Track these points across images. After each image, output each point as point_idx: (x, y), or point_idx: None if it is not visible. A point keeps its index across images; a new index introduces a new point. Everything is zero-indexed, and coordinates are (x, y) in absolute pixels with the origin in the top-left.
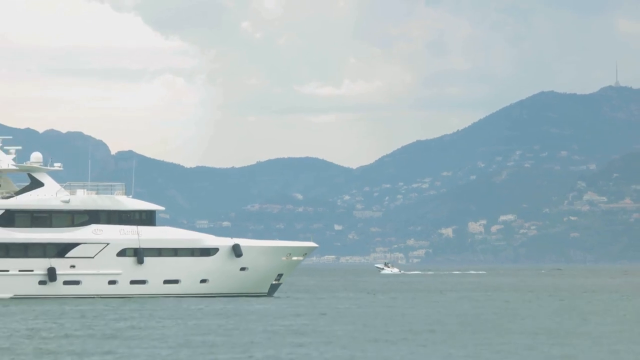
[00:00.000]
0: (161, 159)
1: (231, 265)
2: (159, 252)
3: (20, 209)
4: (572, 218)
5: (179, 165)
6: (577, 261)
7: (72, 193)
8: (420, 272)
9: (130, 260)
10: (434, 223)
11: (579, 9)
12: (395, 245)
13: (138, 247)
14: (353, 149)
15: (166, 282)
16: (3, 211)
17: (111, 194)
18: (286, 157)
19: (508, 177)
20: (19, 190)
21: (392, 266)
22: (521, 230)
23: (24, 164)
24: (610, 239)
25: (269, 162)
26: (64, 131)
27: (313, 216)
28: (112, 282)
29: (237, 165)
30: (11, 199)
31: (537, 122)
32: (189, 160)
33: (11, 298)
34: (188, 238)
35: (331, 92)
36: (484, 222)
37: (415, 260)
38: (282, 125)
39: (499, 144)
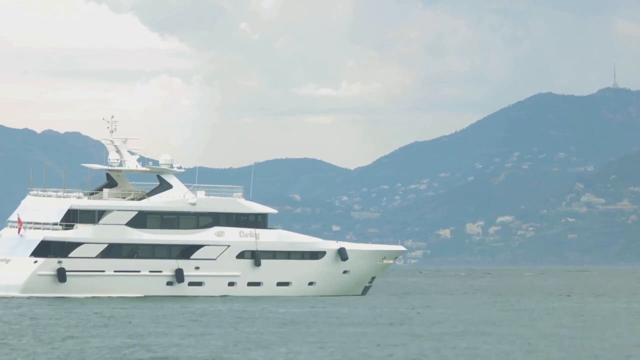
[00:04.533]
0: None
1: (336, 268)
2: (274, 254)
3: (152, 210)
4: (570, 219)
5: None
6: (575, 262)
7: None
8: None
9: (248, 263)
10: (431, 224)
11: (576, 11)
12: None
13: (256, 249)
14: (351, 150)
15: (279, 284)
16: (136, 212)
17: (229, 196)
18: (284, 158)
19: (506, 179)
20: (149, 192)
21: None
22: (519, 232)
23: (151, 165)
24: (608, 241)
25: (267, 163)
26: (61, 132)
27: (311, 217)
28: (231, 284)
29: (235, 166)
30: (143, 200)
31: (535, 124)
32: (186, 161)
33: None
34: (299, 241)
35: (329, 94)
36: (481, 223)
37: (412, 261)
38: (280, 126)
39: (496, 146)
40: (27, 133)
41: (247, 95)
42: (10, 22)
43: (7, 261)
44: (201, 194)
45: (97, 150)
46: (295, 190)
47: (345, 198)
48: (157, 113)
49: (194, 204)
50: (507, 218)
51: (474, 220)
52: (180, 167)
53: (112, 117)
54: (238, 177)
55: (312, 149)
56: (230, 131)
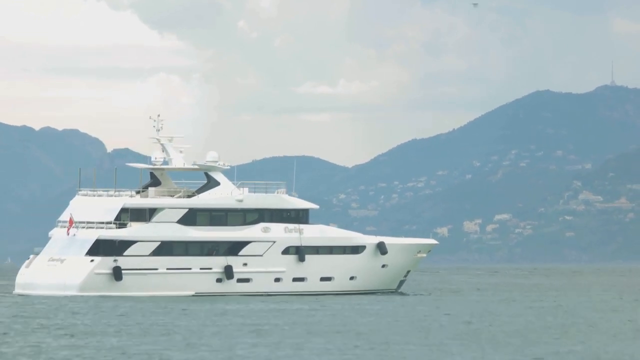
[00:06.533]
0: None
1: (375, 262)
2: (317, 250)
3: (201, 207)
4: (568, 217)
5: None
6: (572, 261)
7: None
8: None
9: (292, 258)
10: (429, 222)
11: (574, 9)
12: None
13: (300, 245)
14: (349, 148)
15: (322, 279)
16: (187, 210)
17: (272, 192)
18: (282, 155)
19: (503, 177)
20: (198, 189)
21: None
22: (516, 230)
23: (198, 163)
24: (606, 239)
25: (265, 160)
26: (59, 129)
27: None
28: (277, 280)
29: (233, 164)
30: (193, 198)
31: (532, 122)
32: (185, 159)
33: (193, 296)
34: (341, 236)
35: (327, 92)
36: (479, 221)
37: None
38: (278, 124)
39: (494, 144)
40: (26, 130)
41: (245, 93)
42: (11, 20)
43: (61, 261)
44: (245, 190)
45: (94, 147)
46: (293, 187)
47: (343, 196)
48: (156, 110)
49: (241, 201)
50: (505, 216)
51: (472, 218)
52: (224, 163)
53: (159, 115)
54: (237, 175)
55: (311, 147)
56: (229, 129)
